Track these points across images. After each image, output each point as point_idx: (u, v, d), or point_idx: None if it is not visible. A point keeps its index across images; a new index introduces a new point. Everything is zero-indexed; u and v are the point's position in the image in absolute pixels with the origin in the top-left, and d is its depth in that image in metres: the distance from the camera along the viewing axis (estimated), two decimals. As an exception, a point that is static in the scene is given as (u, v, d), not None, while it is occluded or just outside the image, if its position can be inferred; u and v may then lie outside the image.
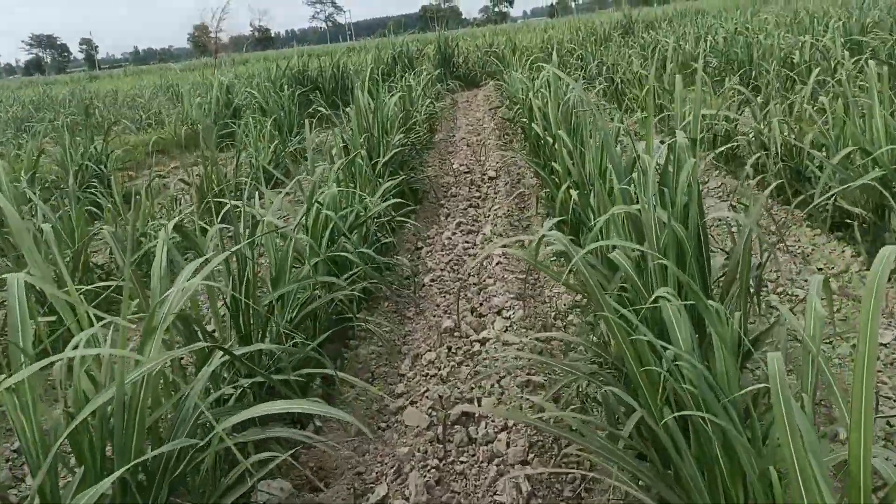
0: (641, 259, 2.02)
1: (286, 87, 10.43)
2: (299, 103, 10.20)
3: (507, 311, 3.58)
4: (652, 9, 35.49)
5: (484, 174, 6.79)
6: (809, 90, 4.91)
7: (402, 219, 4.24)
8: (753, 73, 8.45)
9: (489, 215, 5.49)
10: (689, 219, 1.91)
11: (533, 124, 5.15)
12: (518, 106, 7.08)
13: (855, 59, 6.92)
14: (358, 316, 3.53)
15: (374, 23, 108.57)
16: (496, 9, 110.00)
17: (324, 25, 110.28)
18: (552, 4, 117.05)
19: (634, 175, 2.40)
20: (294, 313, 2.75)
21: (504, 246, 3.88)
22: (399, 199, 4.69)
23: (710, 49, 10.23)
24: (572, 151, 3.96)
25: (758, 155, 4.64)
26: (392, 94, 6.98)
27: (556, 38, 17.38)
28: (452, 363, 3.09)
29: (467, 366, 3.07)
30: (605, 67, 9.90)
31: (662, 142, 2.69)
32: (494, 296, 3.79)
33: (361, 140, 5.19)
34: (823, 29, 9.56)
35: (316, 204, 3.32)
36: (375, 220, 4.21)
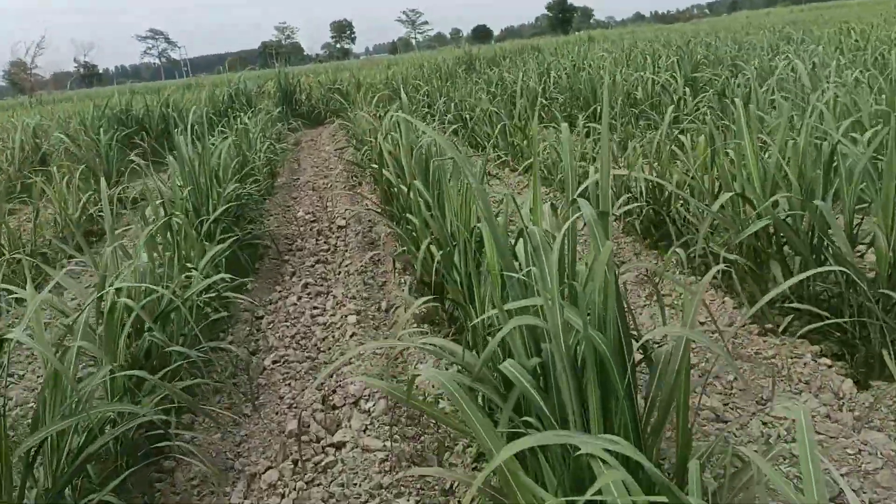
0: (543, 374, 1.53)
1: (104, 129, 9.29)
2: (120, 148, 9.12)
3: (367, 400, 2.98)
4: (491, 46, 36.65)
5: (332, 222, 6.18)
6: (665, 127, 4.75)
7: (234, 295, 3.50)
8: (599, 109, 8.49)
9: (340, 272, 4.88)
10: (607, 324, 1.45)
11: (384, 171, 4.63)
12: (366, 148, 6.55)
13: (701, 95, 7.05)
14: (180, 422, 2.79)
15: (213, 59, 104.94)
16: (338, 45, 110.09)
17: (157, 62, 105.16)
18: (394, 41, 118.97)
19: (520, 248, 1.91)
20: (71, 455, 2.01)
21: (376, 350, 3.30)
22: (228, 273, 3.98)
23: (555, 85, 10.28)
24: (431, 204, 3.46)
25: (624, 198, 4.38)
26: (224, 138, 6.24)
27: (400, 73, 17.17)
28: (300, 484, 2.44)
29: (319, 485, 2.44)
30: (453, 104, 9.64)
31: (553, 206, 2.24)
32: (350, 380, 3.18)
33: (185, 194, 4.43)
34: (656, 66, 9.87)
35: (113, 288, 2.57)
36: (201, 296, 3.48)
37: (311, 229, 6.02)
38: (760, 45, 11.34)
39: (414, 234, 3.96)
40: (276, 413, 2.98)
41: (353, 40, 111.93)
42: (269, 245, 5.46)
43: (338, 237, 5.74)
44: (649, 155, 5.16)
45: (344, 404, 2.99)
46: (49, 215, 6.33)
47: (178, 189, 4.30)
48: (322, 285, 4.65)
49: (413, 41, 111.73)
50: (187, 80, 34.98)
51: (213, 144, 6.04)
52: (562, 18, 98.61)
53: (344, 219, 6.19)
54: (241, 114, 9.19)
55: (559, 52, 20.48)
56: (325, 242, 5.63)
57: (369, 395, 3.02)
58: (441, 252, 3.21)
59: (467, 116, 9.02)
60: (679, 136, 4.82)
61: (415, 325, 3.74)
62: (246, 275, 4.85)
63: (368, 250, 5.31)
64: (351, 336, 3.66)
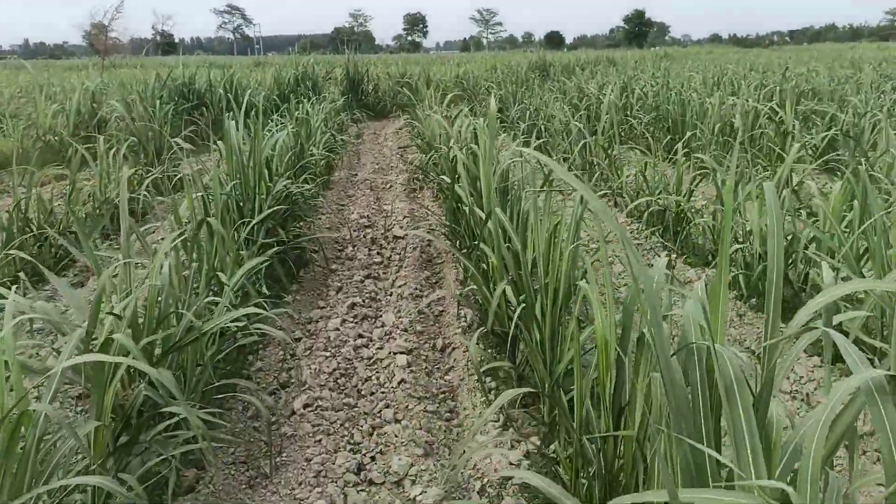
0: None
1: (162, 101, 8.93)
2: (177, 123, 8.75)
3: (414, 481, 2.40)
4: (565, 53, 35.79)
5: (388, 230, 5.62)
6: (788, 168, 4.04)
7: (265, 328, 2.91)
8: (687, 135, 7.75)
9: (392, 293, 4.31)
10: None
11: (456, 186, 4.04)
12: (434, 152, 5.98)
13: (814, 131, 6.28)
14: (178, 485, 2.25)
15: (285, 39, 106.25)
16: (410, 38, 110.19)
17: (231, 36, 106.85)
18: (465, 39, 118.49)
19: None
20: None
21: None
22: (268, 280, 3.44)
23: (638, 102, 9.55)
24: (513, 239, 2.86)
25: (737, 247, 3.71)
26: (282, 126, 5.74)
27: (472, 73, 16.58)
28: None
29: None
30: (527, 112, 9.01)
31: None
32: (393, 446, 2.60)
33: (229, 188, 3.91)
34: (751, 92, 9.06)
35: (109, 315, 2.04)
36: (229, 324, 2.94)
37: (364, 236, 5.47)
38: (863, 81, 10.38)
39: (484, 266, 3.36)
40: (300, 483, 2.41)
41: (424, 34, 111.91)
42: (316, 250, 4.92)
43: (392, 249, 5.18)
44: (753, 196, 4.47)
45: (383, 480, 2.41)
46: (90, 188, 5.92)
47: (221, 183, 3.78)
48: (370, 307, 4.09)
49: (484, 41, 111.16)
50: (256, 58, 35.07)
51: (269, 131, 5.54)
52: (637, 32, 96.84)
53: (402, 228, 5.62)
54: (305, 99, 8.72)
55: (638, 66, 19.62)
56: (377, 254, 5.08)
57: (417, 473, 2.44)
58: (521, 303, 2.60)
59: (543, 127, 8.38)
60: (804, 179, 4.11)
61: (474, 376, 3.15)
62: (288, 284, 4.32)
63: (425, 269, 4.73)
64: (399, 383, 3.07)
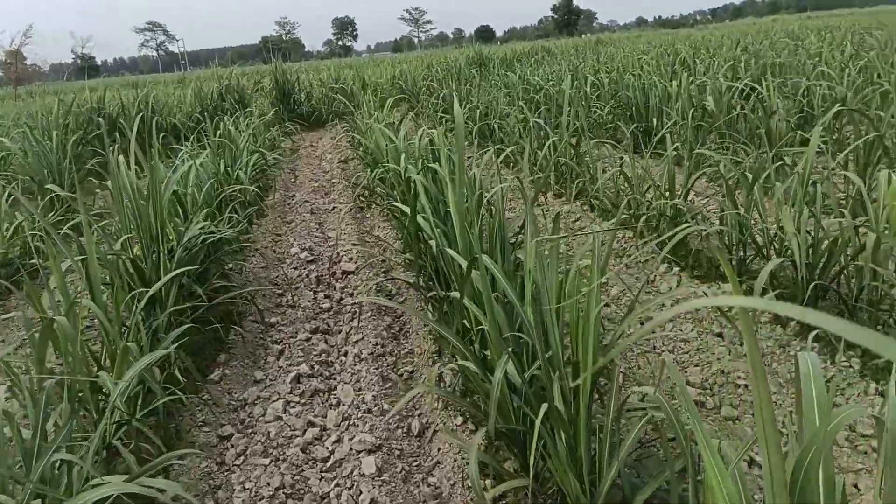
0: None
1: (70, 129, 7.84)
2: (86, 154, 7.70)
3: None
4: (498, 46, 35.23)
5: (336, 264, 4.75)
6: (810, 159, 3.31)
7: (178, 457, 2.00)
8: (655, 123, 7.07)
9: (346, 352, 3.45)
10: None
11: (419, 217, 3.18)
12: (381, 168, 5.12)
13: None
14: None
15: (212, 53, 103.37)
16: (340, 42, 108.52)
17: (154, 54, 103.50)
18: (397, 40, 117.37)
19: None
20: None
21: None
22: (186, 351, 2.57)
23: (594, 91, 8.84)
24: (511, 297, 2.04)
25: (776, 263, 2.96)
26: (196, 154, 4.83)
27: (409, 73, 15.73)
28: None
29: None
30: (477, 112, 8.21)
31: None
32: None
33: (118, 244, 3.00)
34: (712, 70, 8.44)
35: None
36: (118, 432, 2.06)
37: (307, 274, 4.59)
38: (811, 51, 9.88)
39: (466, 324, 2.54)
40: None
41: (354, 37, 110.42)
42: (249, 300, 4.02)
43: (343, 289, 4.31)
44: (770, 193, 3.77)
45: None
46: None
47: (108, 240, 2.86)
48: (321, 376, 3.22)
49: (416, 40, 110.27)
50: (181, 75, 33.52)
51: (183, 160, 4.62)
52: (567, 21, 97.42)
53: (351, 260, 4.76)
54: (228, 116, 7.77)
55: (580, 54, 19.06)
56: (325, 297, 4.20)
57: None
58: (528, 383, 1.78)
59: (496, 127, 7.60)
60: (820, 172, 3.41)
61: (465, 472, 2.33)
62: (213, 355, 3.43)
63: (385, 313, 3.89)
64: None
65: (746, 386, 2.66)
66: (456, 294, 2.57)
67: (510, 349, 2.04)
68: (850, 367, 2.66)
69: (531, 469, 1.75)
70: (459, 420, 2.66)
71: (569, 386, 1.84)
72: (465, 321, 2.55)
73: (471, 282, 2.32)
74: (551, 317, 1.89)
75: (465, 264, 2.20)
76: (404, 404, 2.43)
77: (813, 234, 3.03)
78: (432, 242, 3.04)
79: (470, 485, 2.27)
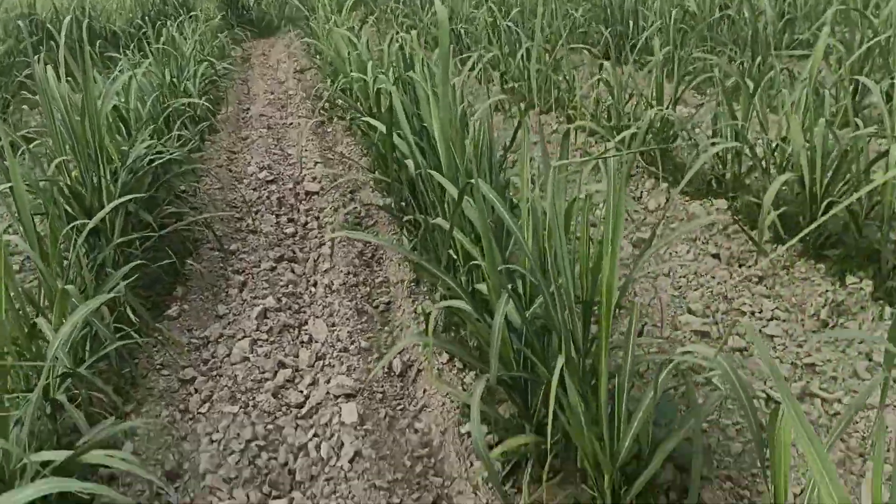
0: None
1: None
2: (8, 66, 7.05)
3: None
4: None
5: (298, 184, 4.41)
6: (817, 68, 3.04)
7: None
8: (631, 26, 6.69)
9: (316, 282, 3.19)
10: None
11: (395, 137, 2.84)
12: (343, 77, 4.69)
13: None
14: None
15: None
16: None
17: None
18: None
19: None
20: None
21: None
22: (140, 283, 2.29)
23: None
24: (510, 227, 1.78)
25: (787, 177, 2.74)
26: (134, 65, 4.38)
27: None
28: None
29: None
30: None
31: None
32: None
33: (50, 172, 2.63)
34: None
35: None
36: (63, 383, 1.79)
37: (268, 196, 4.24)
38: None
39: (452, 254, 2.29)
40: None
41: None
42: (205, 229, 3.68)
43: (308, 212, 3.99)
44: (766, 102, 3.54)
45: None
46: None
47: (39, 163, 2.50)
48: (290, 310, 2.96)
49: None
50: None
51: (119, 72, 4.15)
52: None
53: (315, 180, 4.42)
54: (170, 21, 7.14)
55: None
56: (289, 220, 3.89)
57: None
58: (531, 333, 1.55)
59: (462, 31, 7.13)
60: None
61: (454, 418, 2.14)
62: (169, 288, 3.13)
63: (354, 239, 3.60)
64: (352, 462, 2.01)
65: (753, 313, 2.49)
66: (439, 221, 2.31)
67: (511, 288, 1.80)
68: (861, 289, 2.50)
69: (533, 420, 1.55)
70: (445, 358, 2.44)
71: (580, 327, 1.61)
72: (450, 252, 2.29)
73: (484, 236, 2.04)
74: (561, 246, 1.64)
75: (454, 191, 1.92)
76: (390, 359, 2.16)
77: (824, 145, 2.80)
78: (409, 162, 2.74)
79: (462, 431, 2.07)
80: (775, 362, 2.18)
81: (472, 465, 1.93)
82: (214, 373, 2.57)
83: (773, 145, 3.10)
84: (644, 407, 1.49)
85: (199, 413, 2.34)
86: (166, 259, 3.05)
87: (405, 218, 2.98)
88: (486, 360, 1.86)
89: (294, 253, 3.50)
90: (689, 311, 2.56)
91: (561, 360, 1.47)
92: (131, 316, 2.60)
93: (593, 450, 1.52)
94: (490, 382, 1.64)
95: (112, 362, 2.42)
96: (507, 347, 1.78)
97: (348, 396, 2.29)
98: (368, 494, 1.87)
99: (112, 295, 2.23)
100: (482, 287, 2.06)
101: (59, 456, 1.48)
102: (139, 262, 2.56)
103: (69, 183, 2.77)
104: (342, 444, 2.07)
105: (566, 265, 1.61)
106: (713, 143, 3.28)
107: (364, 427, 2.15)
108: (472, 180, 1.84)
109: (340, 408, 2.23)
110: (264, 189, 4.37)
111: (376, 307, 2.95)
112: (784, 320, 2.43)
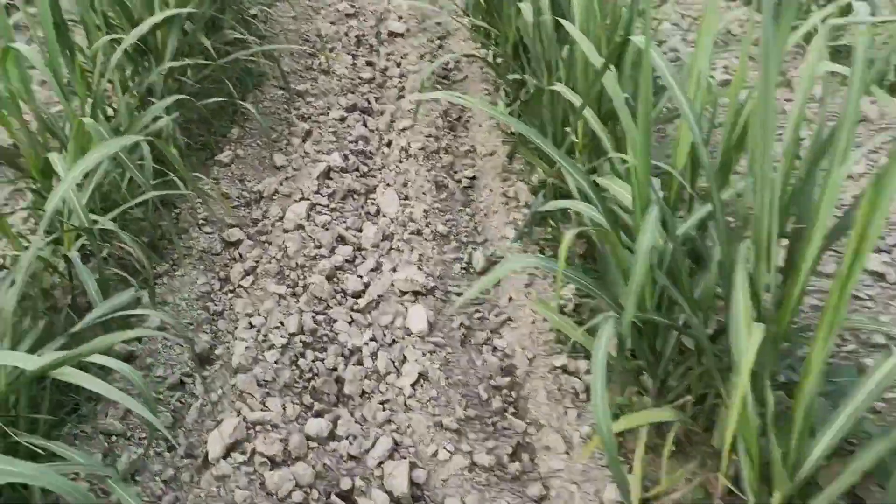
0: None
1: None
2: None
3: None
4: None
5: (382, 22, 3.82)
6: None
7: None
8: None
9: (391, 142, 2.71)
10: None
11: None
12: None
13: None
14: None
15: None
16: None
17: None
18: None
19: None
20: None
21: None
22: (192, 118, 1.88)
23: None
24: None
25: None
26: None
27: None
28: None
29: None
30: None
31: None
32: None
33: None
34: None
35: None
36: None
37: (346, 32, 3.68)
38: None
39: (574, 139, 1.76)
40: None
41: None
42: (273, 58, 3.18)
43: (388, 55, 3.44)
44: None
45: None
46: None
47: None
48: (357, 171, 2.51)
49: None
50: None
51: None
52: None
53: (401, 18, 3.81)
54: None
55: None
56: (367, 63, 3.35)
57: None
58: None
59: None
60: None
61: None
62: (226, 127, 2.70)
63: (439, 90, 3.06)
64: (414, 385, 1.61)
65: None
66: (559, 88, 1.76)
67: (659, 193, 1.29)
68: None
69: (658, 372, 1.09)
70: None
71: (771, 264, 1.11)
72: (566, 129, 1.76)
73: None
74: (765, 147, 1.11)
75: (592, 52, 1.37)
76: (486, 286, 1.68)
77: None
78: (524, 6, 2.14)
79: (556, 365, 1.64)
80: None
81: (566, 412, 1.51)
82: (263, 238, 2.18)
83: None
84: (858, 401, 1.01)
85: (240, 286, 1.97)
86: (224, 93, 2.60)
87: (510, 76, 2.42)
88: (607, 287, 1.39)
89: (369, 103, 3.00)
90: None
91: (742, 304, 0.99)
92: (177, 157, 2.19)
93: (762, 454, 1.07)
94: (621, 328, 1.18)
95: (148, 214, 2.05)
96: (647, 281, 1.29)
97: (416, 294, 1.87)
98: (431, 435, 1.49)
99: (148, 131, 1.80)
100: (605, 183, 1.56)
101: (31, 363, 1.10)
102: (195, 87, 2.11)
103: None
104: (404, 358, 1.67)
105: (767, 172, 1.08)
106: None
107: (432, 338, 1.74)
108: (627, 37, 1.28)
109: (406, 308, 1.81)
110: (343, 23, 3.80)
111: (458, 182, 2.47)
112: None
